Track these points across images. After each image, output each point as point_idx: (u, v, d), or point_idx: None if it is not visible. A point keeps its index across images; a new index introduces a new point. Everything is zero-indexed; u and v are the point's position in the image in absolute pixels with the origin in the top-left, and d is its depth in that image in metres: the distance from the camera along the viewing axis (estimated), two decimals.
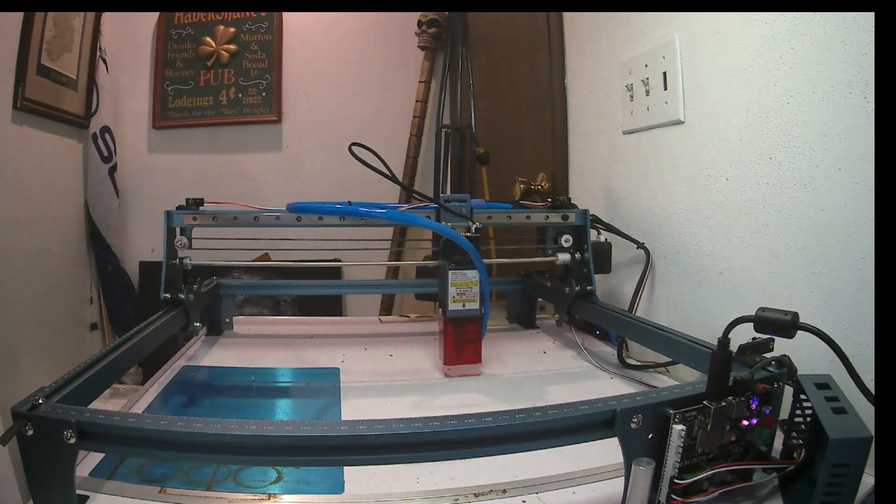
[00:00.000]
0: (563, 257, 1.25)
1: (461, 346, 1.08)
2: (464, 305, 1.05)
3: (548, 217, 1.25)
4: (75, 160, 2.36)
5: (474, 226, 1.08)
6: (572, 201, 1.28)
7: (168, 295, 1.11)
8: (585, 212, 1.25)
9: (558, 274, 1.31)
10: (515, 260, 1.33)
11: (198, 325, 1.17)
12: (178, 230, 1.16)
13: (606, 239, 1.30)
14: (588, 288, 1.20)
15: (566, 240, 1.25)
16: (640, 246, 1.26)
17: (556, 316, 1.29)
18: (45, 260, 2.06)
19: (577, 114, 1.61)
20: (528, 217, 1.25)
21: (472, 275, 1.04)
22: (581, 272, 1.23)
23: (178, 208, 1.17)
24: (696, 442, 0.62)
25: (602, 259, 1.27)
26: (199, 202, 1.18)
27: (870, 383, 0.66)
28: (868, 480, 0.61)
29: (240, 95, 2.56)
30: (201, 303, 1.21)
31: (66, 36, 2.12)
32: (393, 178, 1.07)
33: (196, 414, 0.92)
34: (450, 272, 1.04)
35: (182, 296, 1.11)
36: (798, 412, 0.65)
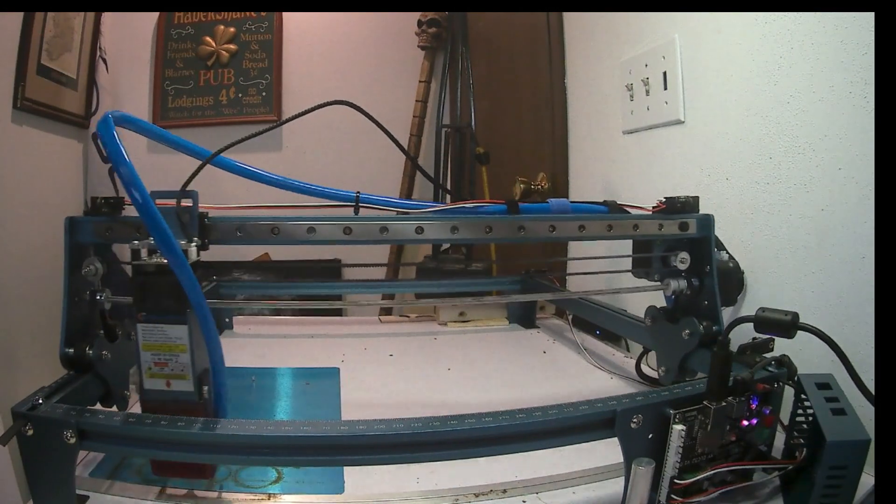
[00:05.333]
0: (678, 285, 0.88)
1: None
2: (168, 384, 0.64)
3: (661, 226, 0.85)
4: (76, 160, 2.35)
5: (193, 245, 0.67)
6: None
7: (70, 350, 0.71)
8: (709, 218, 0.86)
9: (661, 308, 0.94)
10: (616, 291, 1.06)
11: (128, 393, 0.77)
12: (90, 250, 0.76)
13: (731, 256, 0.97)
14: (714, 328, 0.84)
15: (682, 259, 0.87)
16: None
17: (662, 369, 0.92)
18: (46, 260, 2.05)
19: (577, 113, 1.61)
20: (636, 227, 0.84)
21: (178, 333, 0.64)
22: (701, 306, 0.87)
23: (85, 213, 0.76)
24: (697, 442, 0.62)
25: (729, 287, 0.93)
26: (117, 204, 0.75)
27: (870, 383, 0.66)
28: (868, 480, 0.61)
29: (240, 95, 2.56)
30: (126, 362, 0.77)
31: (66, 36, 2.11)
32: (395, 142, 0.98)
33: None
34: (139, 326, 0.64)
35: (91, 352, 0.72)
36: (800, 412, 0.65)
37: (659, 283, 0.90)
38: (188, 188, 0.68)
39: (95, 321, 0.76)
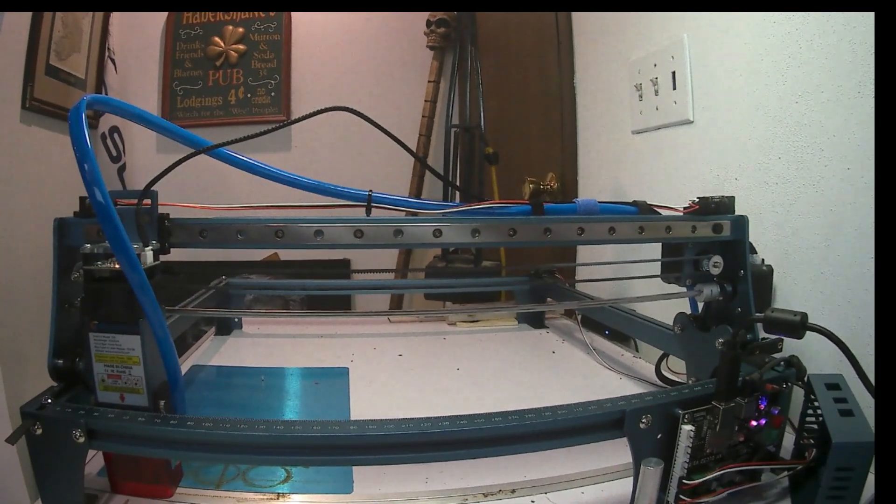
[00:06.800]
0: (710, 291, 0.82)
1: (133, 462, 0.65)
2: (122, 398, 0.62)
3: (695, 228, 0.79)
4: None
5: (149, 249, 0.63)
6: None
7: (60, 362, 0.66)
8: (743, 219, 0.80)
9: (691, 315, 0.88)
10: (652, 298, 0.91)
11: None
12: (80, 256, 0.65)
13: (764, 260, 0.90)
14: (748, 337, 0.75)
15: (715, 263, 0.82)
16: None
17: (693, 380, 0.86)
18: None
19: (586, 113, 1.60)
20: (669, 229, 0.78)
21: (130, 343, 0.61)
22: (734, 312, 0.81)
23: (76, 214, 0.71)
24: (705, 442, 0.62)
25: (762, 293, 0.85)
26: None
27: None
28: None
29: (248, 95, 2.56)
30: None
31: (74, 36, 2.12)
32: (402, 145, 0.86)
33: (205, 413, 0.92)
34: (91, 336, 0.62)
35: (82, 364, 0.66)
36: (809, 412, 0.65)
37: (686, 289, 0.86)
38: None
39: None
